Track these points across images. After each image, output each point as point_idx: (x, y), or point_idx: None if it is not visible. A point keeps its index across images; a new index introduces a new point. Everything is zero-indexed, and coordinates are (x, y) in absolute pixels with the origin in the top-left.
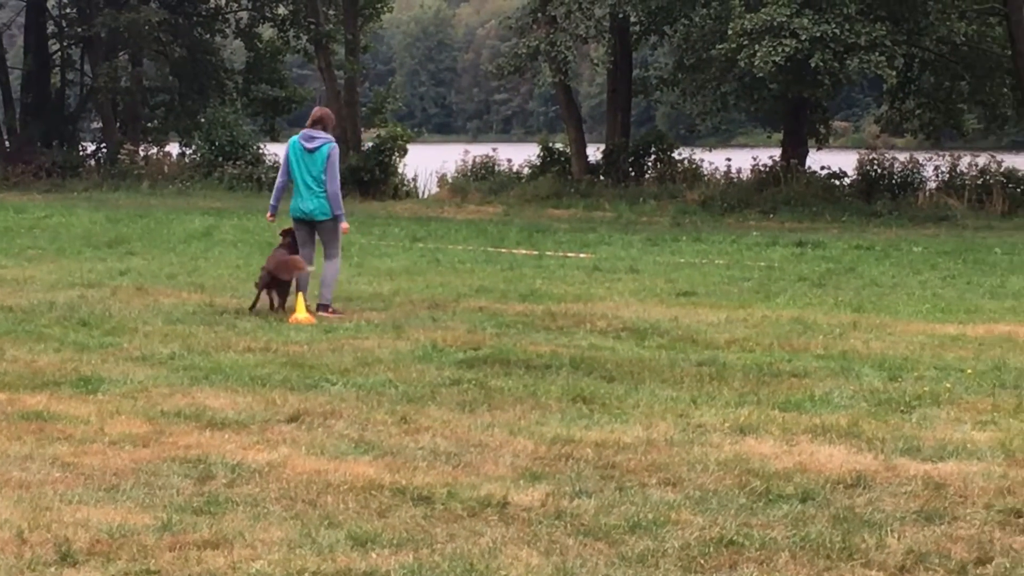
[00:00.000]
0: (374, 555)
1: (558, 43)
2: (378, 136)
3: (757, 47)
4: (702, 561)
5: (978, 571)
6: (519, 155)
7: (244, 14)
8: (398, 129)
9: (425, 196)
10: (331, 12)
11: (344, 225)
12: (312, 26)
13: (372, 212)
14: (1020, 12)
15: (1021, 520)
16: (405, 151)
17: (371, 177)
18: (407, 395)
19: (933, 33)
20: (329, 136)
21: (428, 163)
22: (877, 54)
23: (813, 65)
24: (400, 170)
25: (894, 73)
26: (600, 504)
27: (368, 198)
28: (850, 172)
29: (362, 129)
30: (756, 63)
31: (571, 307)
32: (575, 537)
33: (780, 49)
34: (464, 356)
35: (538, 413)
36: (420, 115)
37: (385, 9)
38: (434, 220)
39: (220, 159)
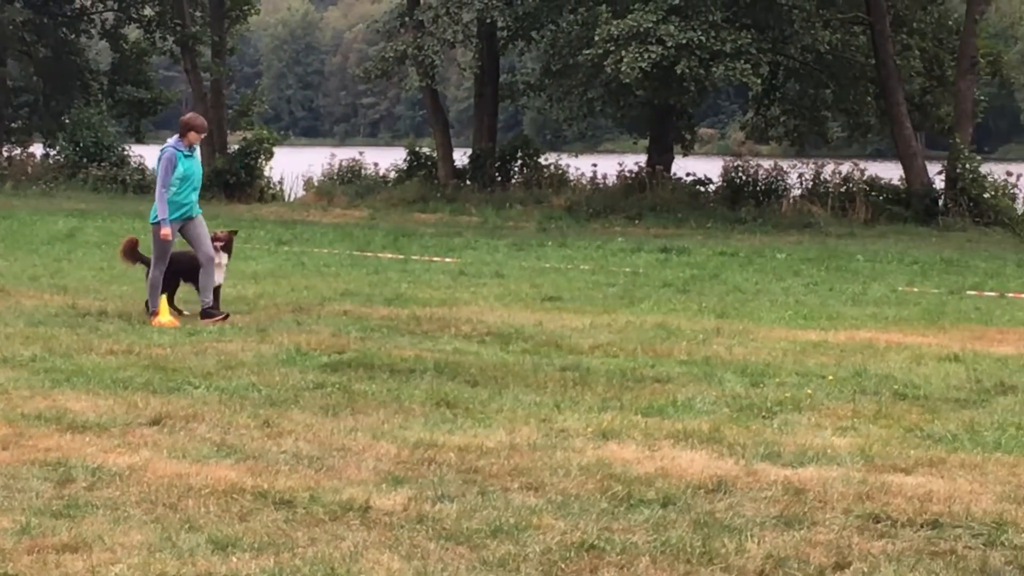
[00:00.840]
0: (235, 559)
1: (425, 47)
2: (244, 139)
3: (624, 53)
4: (563, 566)
5: None
6: (386, 159)
7: (110, 15)
8: (264, 132)
9: (291, 199)
10: (197, 14)
11: (162, 231)
12: (178, 28)
13: (237, 215)
14: (883, 22)
15: (879, 525)
16: (271, 154)
17: (237, 180)
18: (270, 399)
19: (798, 41)
20: (169, 141)
21: (294, 166)
22: (742, 61)
23: (679, 72)
24: (266, 173)
25: (759, 80)
26: (462, 508)
27: (233, 201)
28: (715, 179)
29: (228, 131)
30: (623, 69)
31: (436, 311)
32: (437, 541)
33: (646, 55)
34: (328, 360)
35: (401, 417)
36: (287, 118)
37: (252, 11)
38: (300, 223)
39: (84, 160)
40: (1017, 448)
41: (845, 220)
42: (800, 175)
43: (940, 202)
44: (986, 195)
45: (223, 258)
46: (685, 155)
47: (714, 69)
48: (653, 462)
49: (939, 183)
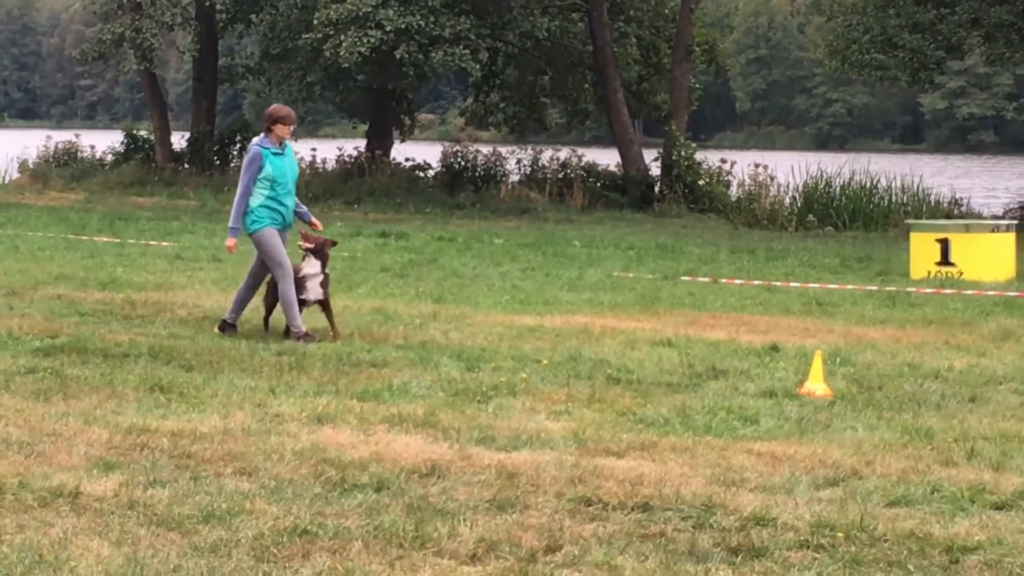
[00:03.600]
0: None
1: (144, 30)
2: None
3: (343, 37)
4: (275, 551)
5: (547, 559)
6: (103, 142)
7: None
8: None
9: (5, 182)
10: None
11: (228, 240)
12: None
13: None
14: (600, 9)
15: (591, 508)
16: None
17: None
18: None
19: (517, 28)
20: (256, 139)
21: (9, 148)
22: (461, 47)
23: (398, 57)
24: None
25: (478, 66)
26: (174, 494)
27: None
28: (434, 164)
29: None
30: (342, 54)
31: (151, 296)
32: (147, 527)
33: (365, 40)
34: (41, 344)
35: (114, 402)
36: (2, 99)
37: None
38: (14, 206)
39: None
40: (727, 431)
41: (563, 206)
42: (519, 161)
43: (656, 188)
44: (701, 182)
45: (314, 267)
46: (404, 140)
47: (433, 54)
48: (368, 447)
49: (655, 170)
